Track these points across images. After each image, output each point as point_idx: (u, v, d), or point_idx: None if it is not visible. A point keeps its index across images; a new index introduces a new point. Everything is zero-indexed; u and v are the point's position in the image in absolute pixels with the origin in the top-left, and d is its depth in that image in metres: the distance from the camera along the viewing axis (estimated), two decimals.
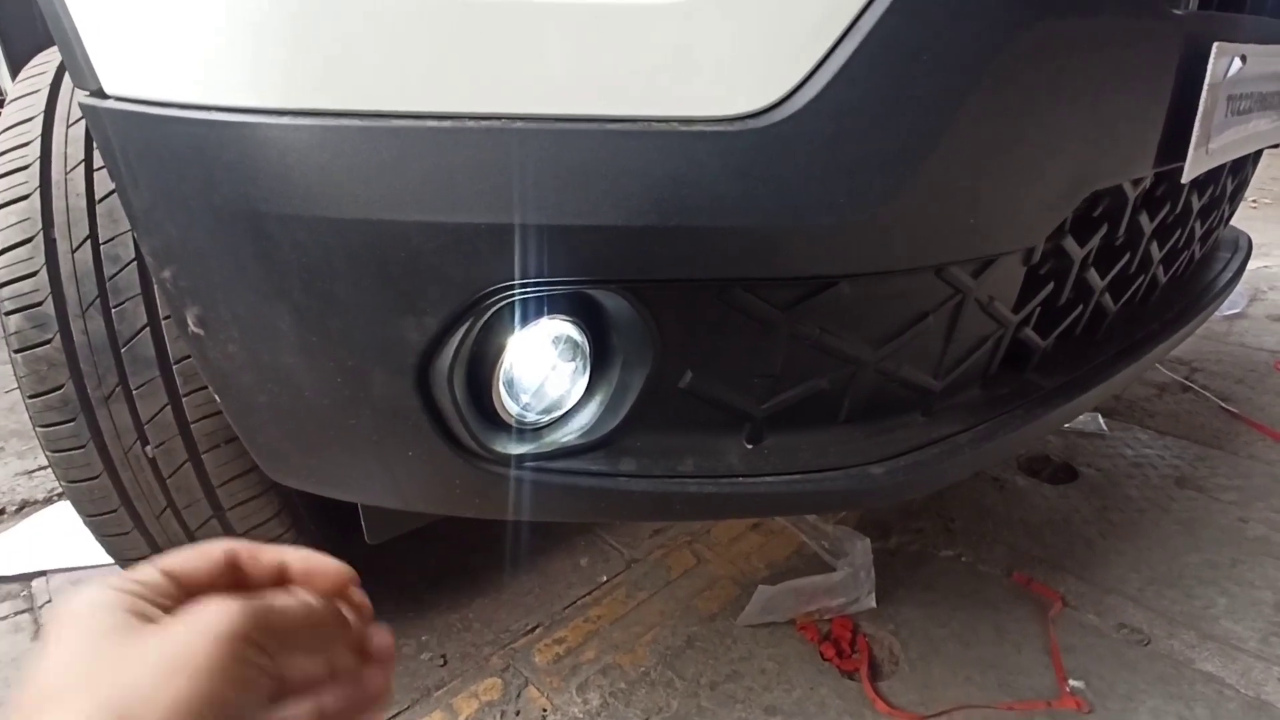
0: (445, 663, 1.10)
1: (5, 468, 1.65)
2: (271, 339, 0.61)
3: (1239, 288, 2.57)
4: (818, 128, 0.53)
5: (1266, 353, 2.13)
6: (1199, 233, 1.13)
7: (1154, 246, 0.98)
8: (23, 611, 1.21)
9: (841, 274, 0.59)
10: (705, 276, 0.56)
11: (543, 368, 0.63)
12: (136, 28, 0.57)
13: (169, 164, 0.58)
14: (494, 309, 0.57)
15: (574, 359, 0.64)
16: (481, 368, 0.60)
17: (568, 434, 0.66)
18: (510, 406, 0.63)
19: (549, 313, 0.60)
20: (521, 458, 0.64)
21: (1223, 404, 1.80)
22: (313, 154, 0.53)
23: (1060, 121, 0.62)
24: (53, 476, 1.57)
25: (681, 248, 0.55)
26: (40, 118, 0.82)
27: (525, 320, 0.59)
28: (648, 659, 1.09)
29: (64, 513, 1.44)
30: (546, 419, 0.65)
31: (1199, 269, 1.26)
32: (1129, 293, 0.99)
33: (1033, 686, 1.05)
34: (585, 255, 0.54)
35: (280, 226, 0.55)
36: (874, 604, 1.17)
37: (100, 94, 0.60)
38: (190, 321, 0.65)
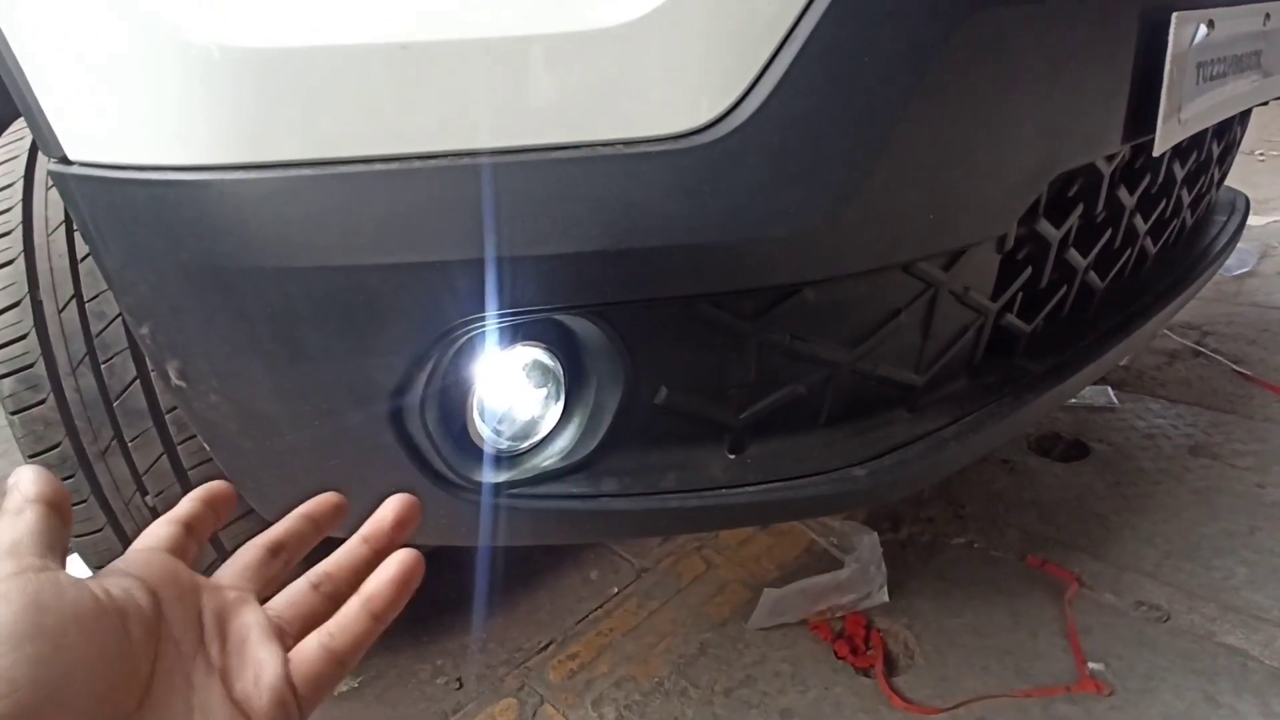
0: (460, 686, 1.11)
1: None
2: (249, 387, 0.62)
3: (1248, 245, 2.53)
4: (763, 139, 0.53)
5: (1278, 311, 2.09)
6: (1187, 200, 1.12)
7: (1138, 219, 0.96)
8: None
9: (803, 281, 0.59)
10: (665, 295, 0.57)
11: (516, 395, 0.63)
12: (89, 96, 0.58)
13: (134, 225, 0.59)
14: (459, 342, 0.57)
15: (547, 384, 0.64)
16: (454, 400, 0.61)
17: (547, 458, 0.66)
18: (487, 435, 0.63)
19: (516, 340, 0.60)
20: (502, 485, 0.64)
21: (1235, 367, 1.77)
22: (266, 206, 0.54)
23: (1014, 108, 0.61)
24: None
25: (639, 269, 0.55)
26: (20, 183, 0.84)
27: (495, 350, 0.60)
28: (661, 669, 1.10)
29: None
30: (525, 445, 0.66)
31: (1193, 235, 1.24)
32: (1116, 268, 0.98)
33: (1051, 672, 1.04)
34: (544, 284, 0.54)
35: (242, 279, 0.56)
36: (886, 598, 1.16)
37: (65, 160, 0.62)
38: (172, 375, 0.66)
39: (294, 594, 0.40)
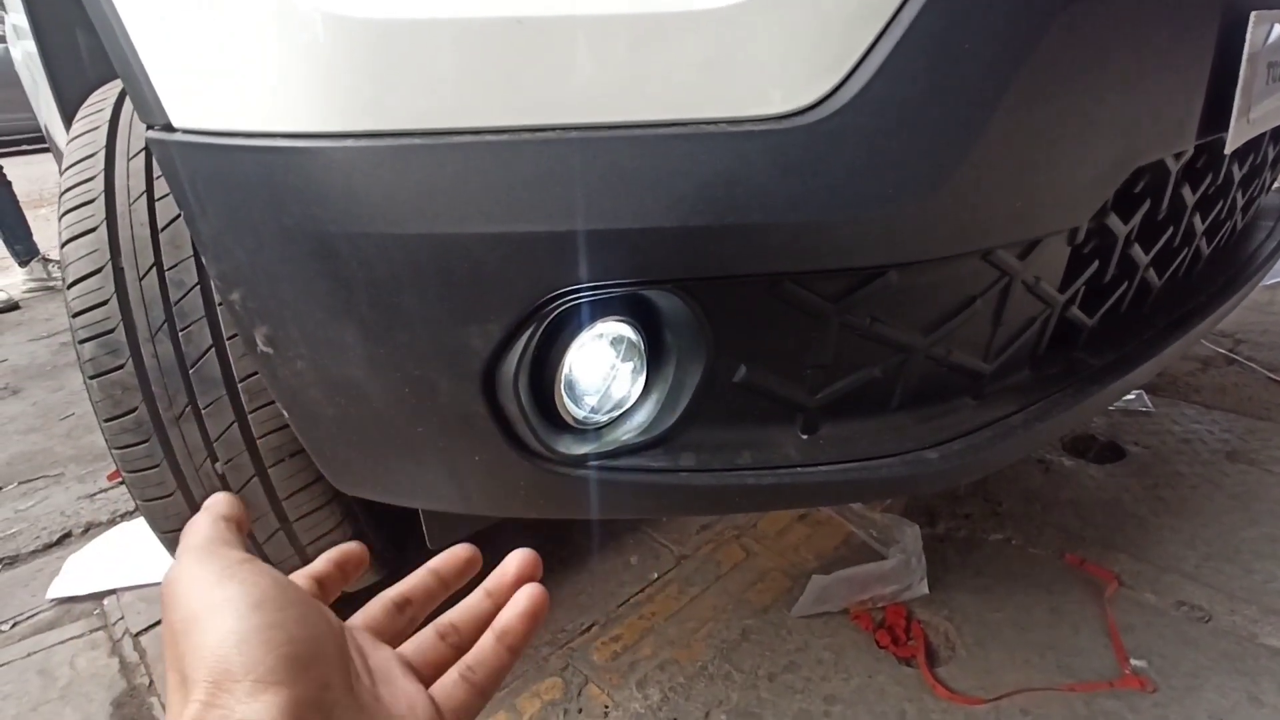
0: None
1: (67, 492, 1.71)
2: (339, 354, 0.63)
3: None
4: (863, 122, 0.54)
5: None
6: (1240, 203, 1.12)
7: (1197, 219, 0.97)
8: (98, 629, 1.26)
9: (890, 263, 0.60)
10: (758, 272, 0.58)
11: (601, 368, 0.64)
12: (201, 63, 0.59)
13: (237, 191, 0.60)
14: (555, 314, 0.58)
15: (631, 359, 0.65)
16: (544, 371, 0.62)
17: (627, 432, 0.67)
18: (572, 409, 0.64)
19: (606, 315, 0.62)
20: (584, 457, 0.65)
21: (1270, 375, 1.77)
22: (376, 174, 0.55)
23: (1101, 101, 0.62)
24: (112, 500, 1.63)
25: (734, 245, 0.56)
26: (103, 153, 0.86)
27: (584, 323, 0.61)
28: (704, 653, 1.11)
29: (127, 533, 1.49)
30: (606, 418, 0.67)
31: (1241, 239, 1.25)
32: (1173, 267, 0.99)
33: (1093, 668, 1.04)
34: (642, 257, 0.56)
35: (347, 245, 0.57)
36: (926, 590, 1.17)
37: (168, 128, 0.63)
38: (259, 341, 0.68)
39: (421, 642, 0.41)
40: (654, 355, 0.66)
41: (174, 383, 0.82)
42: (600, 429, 0.67)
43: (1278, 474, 1.42)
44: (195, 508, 0.87)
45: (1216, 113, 0.74)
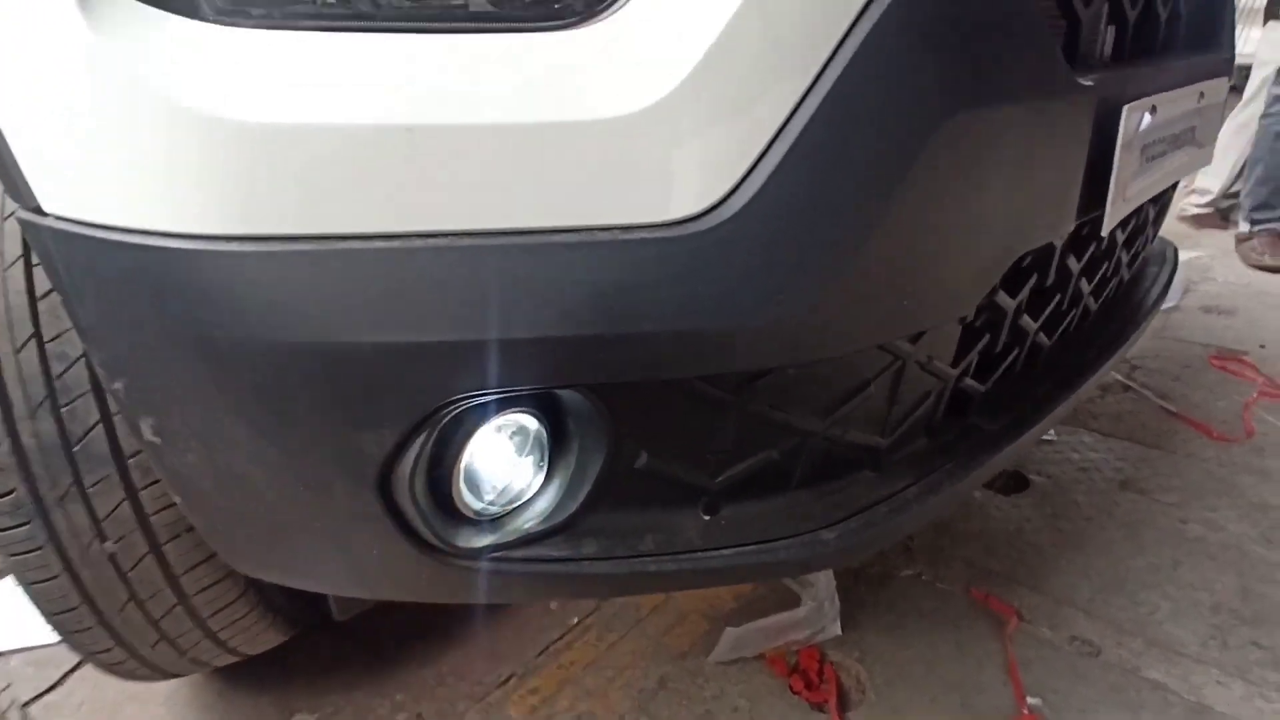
0: None
1: None
2: (230, 450, 0.61)
3: (1174, 282, 2.67)
4: (753, 229, 0.56)
5: (1200, 346, 2.23)
6: (1126, 260, 1.19)
7: (1083, 282, 1.02)
8: None
9: (785, 364, 0.62)
10: (653, 378, 0.58)
11: (501, 461, 0.64)
12: (71, 151, 0.56)
13: (114, 285, 0.58)
14: (451, 414, 0.58)
15: (531, 448, 0.65)
16: (441, 468, 0.61)
17: (529, 520, 0.67)
18: (471, 501, 0.64)
19: (505, 410, 0.61)
20: (483, 549, 0.65)
21: (1162, 403, 1.88)
22: (260, 279, 0.53)
23: (984, 200, 0.65)
24: None
25: (629, 352, 0.56)
26: None
27: (482, 421, 0.60)
28: (622, 703, 1.11)
29: (12, 589, 1.41)
30: (507, 507, 0.67)
31: (1129, 288, 1.32)
32: (1063, 326, 1.04)
33: (994, 705, 1.09)
34: (538, 365, 0.56)
35: (232, 349, 0.55)
36: (839, 631, 1.20)
37: (39, 211, 0.60)
38: (146, 430, 0.65)
39: None
40: (556, 444, 0.66)
41: (57, 462, 0.78)
42: (501, 519, 0.67)
43: (1164, 503, 1.51)
44: (82, 589, 0.83)
45: (1094, 197, 0.79)
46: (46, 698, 1.17)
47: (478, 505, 0.64)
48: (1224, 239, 3.27)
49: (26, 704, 1.16)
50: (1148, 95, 0.84)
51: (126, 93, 0.52)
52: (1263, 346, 2.21)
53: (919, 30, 0.56)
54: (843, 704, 1.10)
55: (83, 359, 0.77)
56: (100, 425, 0.78)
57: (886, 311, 0.63)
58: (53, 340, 0.77)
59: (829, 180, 0.57)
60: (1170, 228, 3.57)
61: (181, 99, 0.51)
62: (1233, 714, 1.06)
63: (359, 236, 0.53)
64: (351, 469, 0.58)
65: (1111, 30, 0.91)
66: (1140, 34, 0.95)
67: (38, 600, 0.83)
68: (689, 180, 0.55)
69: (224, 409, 0.58)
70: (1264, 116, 3.12)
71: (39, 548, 0.79)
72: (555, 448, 0.67)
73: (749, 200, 0.55)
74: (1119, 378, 2.02)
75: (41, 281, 0.79)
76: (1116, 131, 0.77)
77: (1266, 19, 3.28)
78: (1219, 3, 1.17)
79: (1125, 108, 0.76)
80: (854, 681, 1.14)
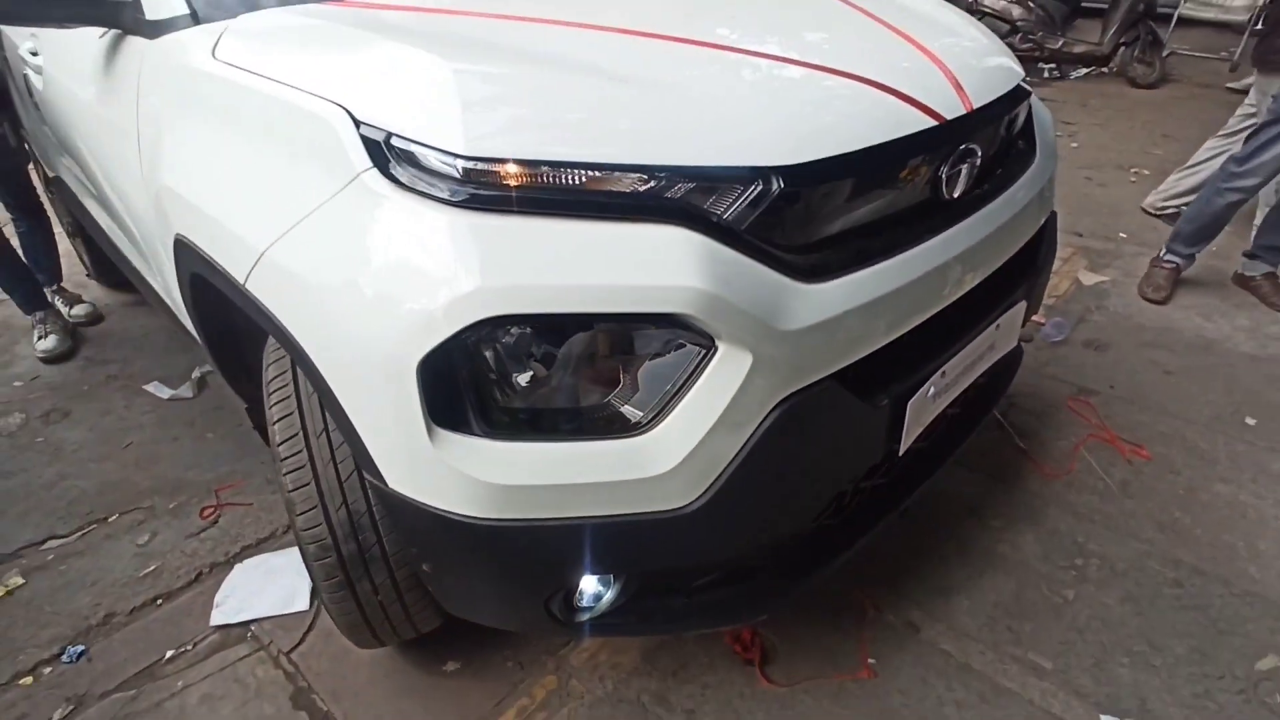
0: (521, 666, 1.92)
1: (169, 528, 2.34)
2: (467, 582, 1.38)
3: (1059, 318, 3.31)
4: (712, 511, 1.29)
5: (1068, 385, 2.92)
6: (957, 414, 1.91)
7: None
8: (259, 649, 1.97)
9: (714, 557, 1.37)
10: (660, 568, 1.34)
11: (593, 586, 1.41)
12: (411, 472, 1.29)
13: (432, 531, 1.31)
14: (575, 578, 1.34)
15: (603, 582, 1.42)
16: (568, 592, 1.38)
17: (602, 607, 1.44)
18: (579, 604, 1.41)
19: (591, 575, 1.37)
20: (585, 622, 1.43)
21: (1018, 441, 2.63)
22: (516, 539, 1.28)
23: (817, 474, 1.38)
24: (215, 539, 2.30)
25: (651, 562, 1.32)
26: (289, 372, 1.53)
27: (582, 577, 1.36)
28: (631, 660, 1.93)
29: (250, 571, 2.19)
30: (594, 604, 1.44)
31: (982, 393, 2.05)
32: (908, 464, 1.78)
33: (850, 663, 1.90)
34: (608, 564, 1.31)
35: (489, 550, 1.30)
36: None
37: (384, 482, 1.32)
38: (425, 566, 1.41)
39: None
40: (615, 582, 1.43)
41: (358, 563, 1.53)
42: (591, 608, 1.44)
43: (991, 526, 2.29)
44: (358, 600, 1.61)
45: (893, 441, 1.51)
46: (300, 648, 1.97)
47: (583, 604, 1.41)
48: (1139, 262, 3.69)
49: (288, 652, 1.97)
50: (935, 372, 1.54)
51: (453, 472, 1.23)
52: (1112, 387, 2.89)
53: (789, 430, 1.28)
54: (764, 660, 1.92)
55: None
56: (377, 545, 1.53)
57: (766, 532, 1.37)
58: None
59: (748, 487, 1.29)
60: (1111, 221, 4.08)
61: (474, 472, 1.22)
62: (981, 670, 1.88)
63: (549, 519, 1.26)
64: (532, 595, 1.35)
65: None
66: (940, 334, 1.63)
67: (329, 599, 1.62)
68: (684, 493, 1.27)
69: (478, 571, 1.34)
70: (1223, 172, 3.18)
71: (342, 590, 1.56)
72: (615, 584, 1.43)
73: (710, 498, 1.28)
74: (997, 414, 2.75)
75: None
76: (904, 414, 1.48)
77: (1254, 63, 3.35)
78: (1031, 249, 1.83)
79: (909, 404, 1.47)
80: (771, 646, 1.96)
